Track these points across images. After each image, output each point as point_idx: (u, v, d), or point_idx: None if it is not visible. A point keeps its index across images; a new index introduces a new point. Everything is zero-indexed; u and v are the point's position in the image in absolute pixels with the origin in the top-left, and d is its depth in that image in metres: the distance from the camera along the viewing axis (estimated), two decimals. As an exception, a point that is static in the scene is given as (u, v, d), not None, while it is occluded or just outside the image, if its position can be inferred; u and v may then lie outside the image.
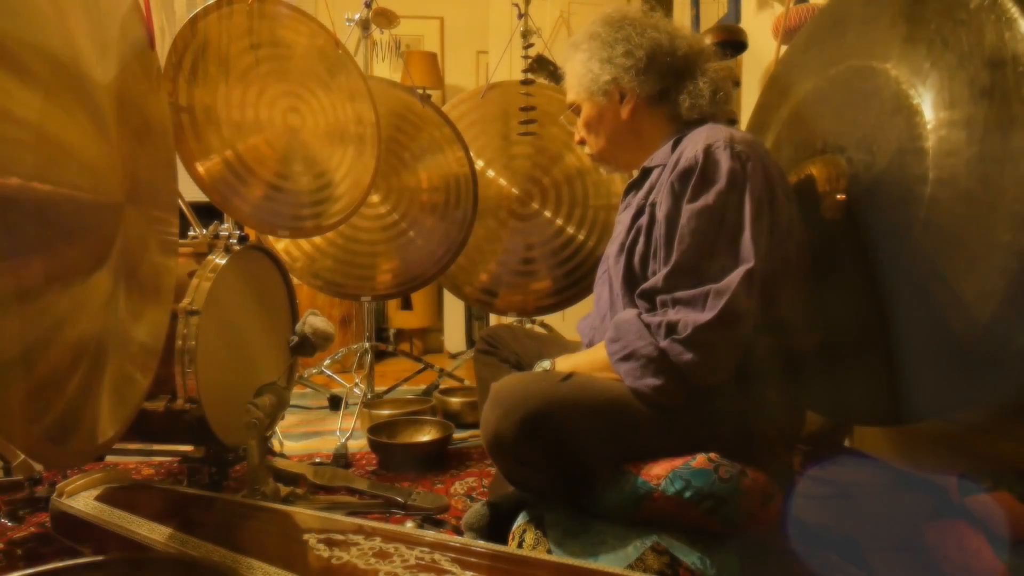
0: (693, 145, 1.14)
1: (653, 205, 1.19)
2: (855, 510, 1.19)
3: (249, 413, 1.38)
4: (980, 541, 1.05)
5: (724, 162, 1.09)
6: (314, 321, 1.46)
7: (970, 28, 1.06)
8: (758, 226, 1.07)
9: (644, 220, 1.20)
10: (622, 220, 1.31)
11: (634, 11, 1.32)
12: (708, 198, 1.08)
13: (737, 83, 2.46)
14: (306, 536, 1.06)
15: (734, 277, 1.04)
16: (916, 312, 1.13)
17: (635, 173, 1.36)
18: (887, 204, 1.18)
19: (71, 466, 1.51)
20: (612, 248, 1.30)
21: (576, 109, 1.37)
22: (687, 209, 1.10)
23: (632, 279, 1.20)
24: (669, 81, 1.27)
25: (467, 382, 2.74)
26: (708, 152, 1.11)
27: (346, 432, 2.02)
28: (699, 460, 1.03)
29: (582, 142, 1.40)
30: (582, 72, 1.31)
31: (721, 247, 1.07)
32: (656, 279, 1.12)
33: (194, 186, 1.80)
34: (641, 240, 1.19)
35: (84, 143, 1.02)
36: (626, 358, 1.10)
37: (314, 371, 2.66)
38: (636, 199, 1.28)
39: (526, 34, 2.34)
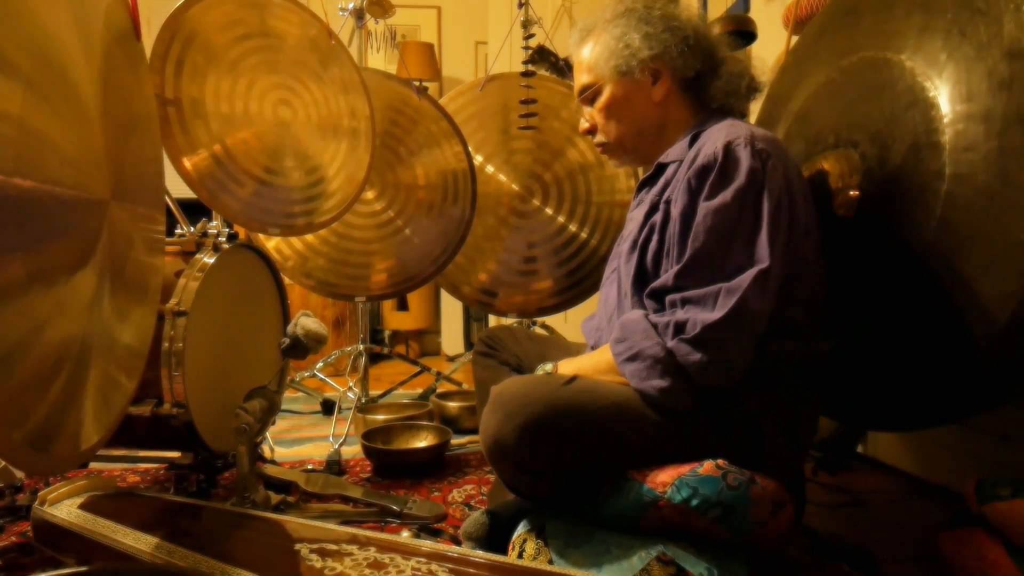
0: (712, 142, 1.12)
1: (668, 202, 1.16)
2: (869, 519, 1.17)
3: (238, 418, 1.36)
4: (998, 551, 1.04)
5: (744, 160, 1.07)
6: (306, 322, 1.44)
7: (988, 18, 1.05)
8: (775, 227, 1.05)
9: (658, 217, 1.17)
10: (634, 217, 1.28)
11: None
12: (726, 196, 1.06)
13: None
14: (298, 546, 1.04)
15: (746, 276, 1.02)
16: (931, 313, 1.11)
17: (640, 171, 1.33)
18: (902, 200, 1.16)
19: (54, 473, 1.50)
20: (623, 246, 1.27)
21: (589, 95, 1.30)
22: (704, 206, 1.07)
23: (643, 278, 1.18)
24: (707, 64, 1.25)
25: (465, 386, 2.72)
26: (728, 149, 1.08)
27: (339, 438, 2.00)
28: (706, 467, 1.01)
29: (591, 131, 1.34)
30: (615, 48, 1.23)
31: (736, 246, 1.05)
32: (666, 277, 1.09)
33: (181, 182, 1.77)
34: (655, 238, 1.17)
35: (67, 137, 1.00)
36: (632, 359, 1.08)
37: (306, 374, 2.64)
38: (650, 196, 1.25)
39: (527, 24, 2.30)
